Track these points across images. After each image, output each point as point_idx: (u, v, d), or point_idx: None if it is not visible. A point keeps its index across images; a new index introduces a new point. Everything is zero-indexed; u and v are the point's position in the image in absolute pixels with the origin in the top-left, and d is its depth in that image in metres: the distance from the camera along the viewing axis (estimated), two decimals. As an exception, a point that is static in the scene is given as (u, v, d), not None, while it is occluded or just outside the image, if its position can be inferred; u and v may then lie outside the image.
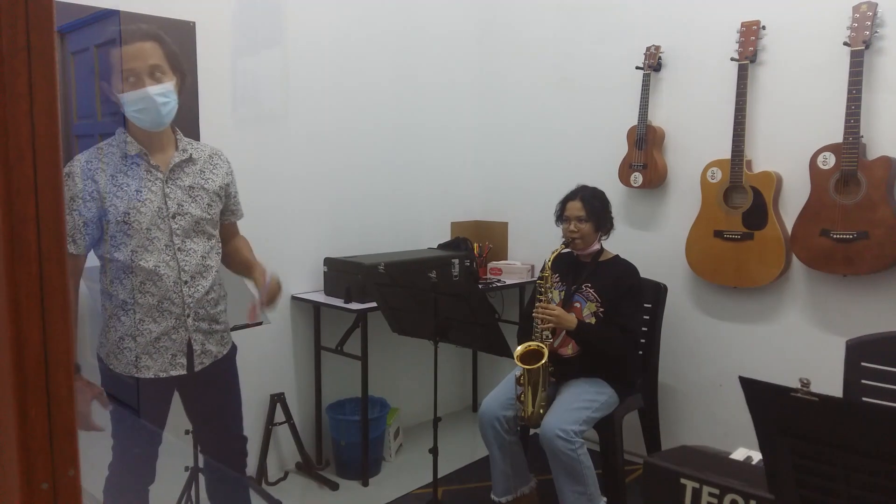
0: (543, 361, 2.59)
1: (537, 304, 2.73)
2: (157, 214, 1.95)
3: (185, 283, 2.00)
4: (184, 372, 2.05)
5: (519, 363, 2.62)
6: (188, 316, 2.02)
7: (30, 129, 0.59)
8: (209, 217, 2.06)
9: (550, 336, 2.70)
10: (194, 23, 2.85)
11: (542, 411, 2.64)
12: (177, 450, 2.26)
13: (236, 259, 2.28)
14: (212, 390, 2.20)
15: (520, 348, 2.66)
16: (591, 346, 2.73)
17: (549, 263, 2.78)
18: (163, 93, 1.91)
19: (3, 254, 0.59)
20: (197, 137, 2.90)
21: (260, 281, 2.17)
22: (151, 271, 1.94)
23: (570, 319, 2.67)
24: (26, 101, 0.59)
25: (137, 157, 1.96)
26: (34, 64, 0.59)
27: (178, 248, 1.98)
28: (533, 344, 2.66)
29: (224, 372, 2.22)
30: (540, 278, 2.79)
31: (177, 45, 2.80)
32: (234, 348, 2.26)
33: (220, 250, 2.16)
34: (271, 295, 2.14)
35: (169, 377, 2.04)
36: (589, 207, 2.79)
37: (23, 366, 0.60)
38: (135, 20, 2.66)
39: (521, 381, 2.64)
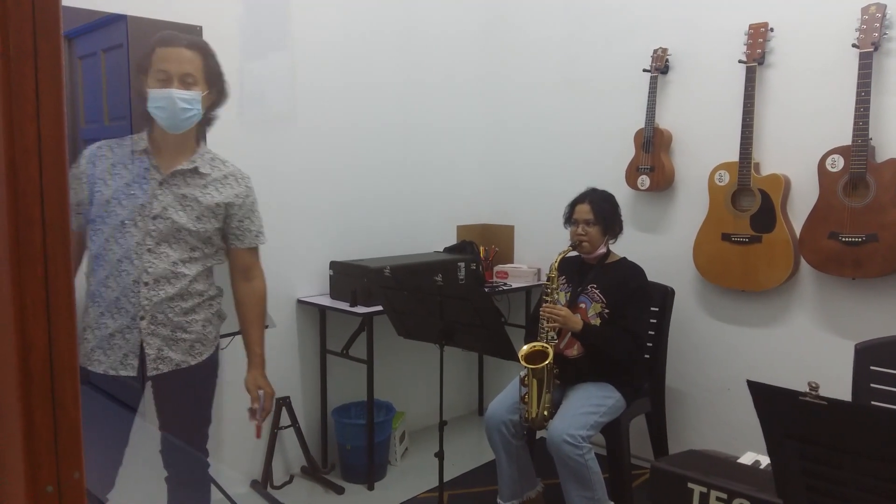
0: (548, 361, 2.58)
1: (544, 305, 2.73)
2: (137, 211, 1.94)
3: (146, 284, 1.96)
4: (133, 374, 2.00)
5: (523, 363, 2.61)
6: (143, 318, 1.98)
7: (36, 132, 0.59)
8: (195, 229, 2.02)
9: (555, 337, 2.70)
10: (201, 27, 2.86)
11: (546, 413, 2.63)
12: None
13: (241, 325, 2.25)
14: (176, 400, 2.13)
15: (525, 348, 2.66)
16: (596, 349, 2.72)
17: (556, 265, 2.77)
18: (187, 99, 1.96)
19: (9, 256, 0.59)
20: (202, 140, 2.90)
21: (252, 393, 2.22)
22: (115, 265, 1.94)
23: (577, 321, 2.67)
24: (32, 105, 0.59)
25: (145, 152, 1.99)
26: (41, 68, 0.59)
27: (149, 249, 1.96)
28: (538, 344, 2.66)
29: (193, 385, 2.14)
30: (547, 279, 2.79)
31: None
32: (212, 361, 2.18)
33: (208, 264, 2.11)
34: (266, 411, 2.24)
35: (125, 377, 2.00)
36: (597, 210, 2.79)
37: (28, 368, 0.60)
38: (142, 25, 2.68)
39: (526, 382, 2.64)
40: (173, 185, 2.00)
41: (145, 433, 2.16)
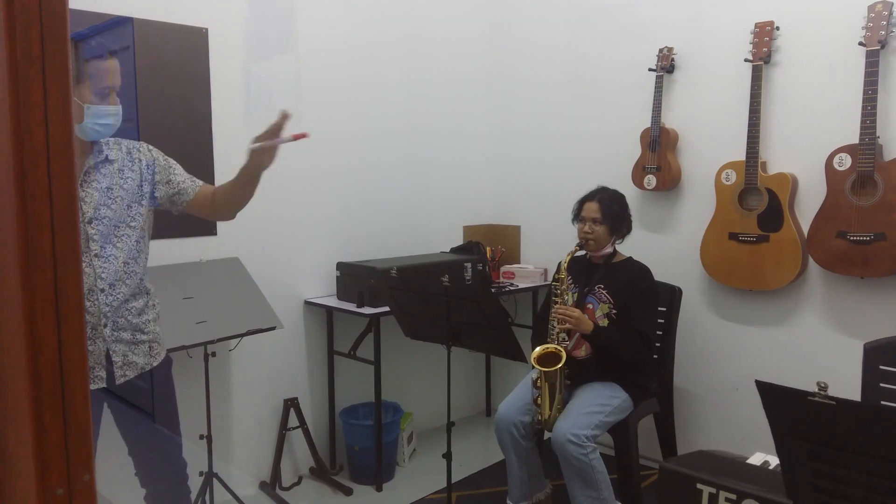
0: (561, 364, 2.57)
1: (555, 306, 2.71)
2: None
3: (102, 290, 1.89)
4: (103, 385, 1.92)
5: (536, 365, 2.60)
6: (105, 326, 1.91)
7: (44, 136, 0.59)
8: (130, 217, 1.95)
9: (566, 338, 2.69)
10: (206, 29, 2.88)
11: (559, 415, 2.63)
12: (191, 455, 2.25)
13: (230, 189, 2.06)
14: (142, 406, 2.08)
15: (537, 350, 2.65)
16: (606, 351, 2.71)
17: (565, 265, 2.76)
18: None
19: (19, 260, 0.59)
20: (210, 142, 2.92)
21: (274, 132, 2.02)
22: None
23: (588, 323, 2.66)
24: (40, 110, 0.59)
25: None
26: (48, 73, 0.59)
27: (96, 255, 1.88)
28: (550, 346, 2.65)
29: (157, 386, 2.08)
30: (555, 280, 2.78)
31: (191, 51, 2.84)
32: (167, 360, 2.13)
33: (147, 253, 2.04)
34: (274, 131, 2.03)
35: (94, 391, 1.92)
36: (605, 210, 2.78)
37: (38, 371, 0.60)
38: (147, 28, 2.69)
39: (539, 384, 2.63)
40: (92, 181, 1.90)
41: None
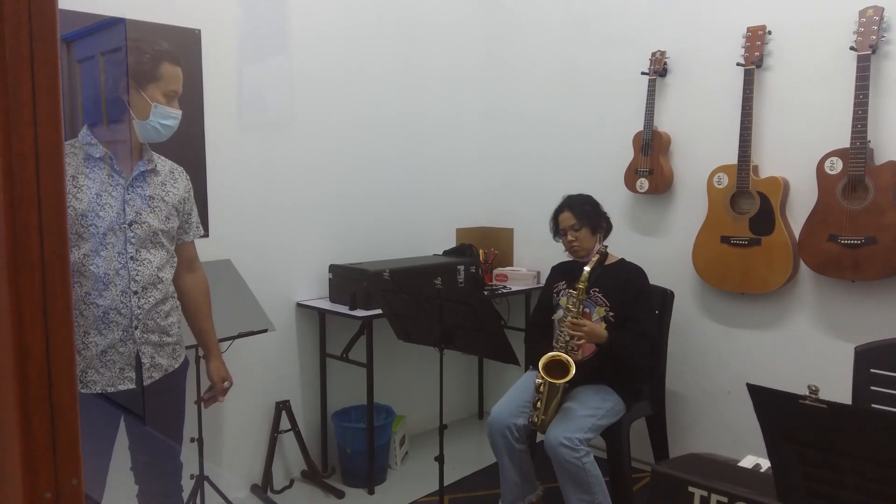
0: (569, 377, 2.56)
1: (569, 319, 2.69)
2: (114, 220, 1.90)
3: (136, 293, 1.94)
4: (133, 386, 1.96)
5: (543, 374, 2.59)
6: (136, 328, 1.95)
7: (33, 138, 0.59)
8: (166, 230, 2.02)
9: (575, 347, 2.67)
10: (199, 30, 2.87)
11: (553, 417, 2.63)
12: (181, 457, 2.24)
13: (192, 315, 2.21)
14: (157, 407, 2.10)
15: (544, 358, 2.62)
16: (618, 357, 2.71)
17: (586, 277, 2.68)
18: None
19: (6, 262, 0.58)
20: (202, 145, 2.91)
21: (218, 385, 2.25)
22: (100, 278, 1.88)
23: (600, 332, 2.65)
24: (29, 111, 0.59)
25: (101, 160, 1.92)
26: (37, 73, 0.59)
27: (132, 258, 1.93)
28: (562, 356, 2.62)
29: (173, 388, 2.13)
30: (574, 289, 2.73)
31: (182, 52, 2.83)
32: (185, 363, 2.18)
33: (175, 264, 2.10)
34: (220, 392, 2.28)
35: (117, 392, 1.95)
36: (579, 214, 2.80)
37: (26, 375, 0.60)
38: (140, 28, 2.68)
39: (541, 389, 2.62)
40: (137, 187, 1.97)
41: (136, 444, 2.12)
